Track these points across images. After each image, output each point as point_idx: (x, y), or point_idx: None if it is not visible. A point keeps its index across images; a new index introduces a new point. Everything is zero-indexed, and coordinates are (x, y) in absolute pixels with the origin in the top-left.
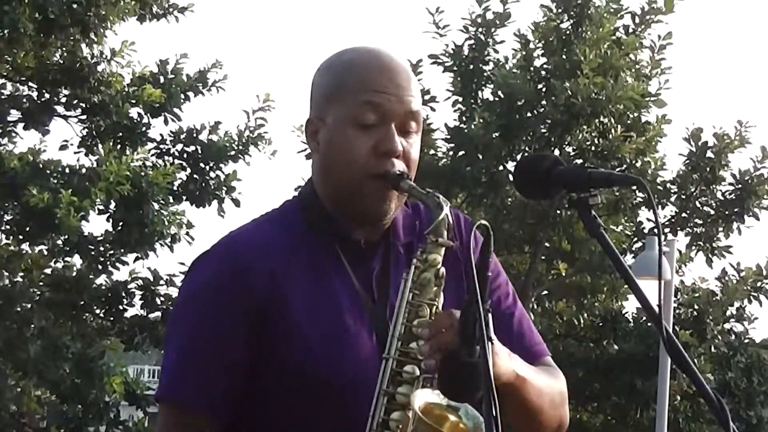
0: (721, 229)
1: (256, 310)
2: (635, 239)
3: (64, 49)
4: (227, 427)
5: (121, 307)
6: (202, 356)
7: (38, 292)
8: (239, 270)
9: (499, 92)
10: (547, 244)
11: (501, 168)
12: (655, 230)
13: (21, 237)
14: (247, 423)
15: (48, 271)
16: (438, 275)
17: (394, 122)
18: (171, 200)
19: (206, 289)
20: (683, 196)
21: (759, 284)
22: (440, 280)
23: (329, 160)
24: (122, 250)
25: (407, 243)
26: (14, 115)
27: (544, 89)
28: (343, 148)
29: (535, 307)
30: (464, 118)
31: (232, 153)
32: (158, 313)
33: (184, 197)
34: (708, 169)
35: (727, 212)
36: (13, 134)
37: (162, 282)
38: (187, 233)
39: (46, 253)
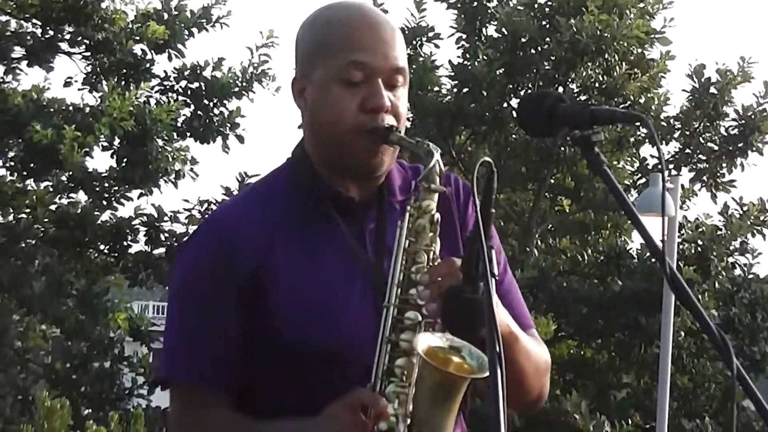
0: (724, 164)
1: (245, 287)
2: (639, 176)
3: None
4: (237, 400)
5: (125, 244)
6: (198, 336)
7: (42, 229)
8: (225, 251)
9: (504, 29)
10: (551, 181)
11: (505, 105)
12: (659, 167)
13: (25, 173)
14: (258, 394)
15: (52, 207)
16: (433, 221)
17: (380, 78)
18: (175, 137)
19: (195, 274)
20: (687, 133)
21: (762, 218)
22: (435, 226)
23: (318, 119)
24: (126, 187)
25: (402, 201)
26: (18, 52)
27: (548, 26)
28: (331, 106)
29: (539, 243)
30: (468, 56)
31: (236, 89)
32: (162, 250)
33: (188, 134)
34: (711, 105)
35: (730, 148)
36: (17, 71)
37: (166, 218)
38: (192, 169)
39: (50, 189)
